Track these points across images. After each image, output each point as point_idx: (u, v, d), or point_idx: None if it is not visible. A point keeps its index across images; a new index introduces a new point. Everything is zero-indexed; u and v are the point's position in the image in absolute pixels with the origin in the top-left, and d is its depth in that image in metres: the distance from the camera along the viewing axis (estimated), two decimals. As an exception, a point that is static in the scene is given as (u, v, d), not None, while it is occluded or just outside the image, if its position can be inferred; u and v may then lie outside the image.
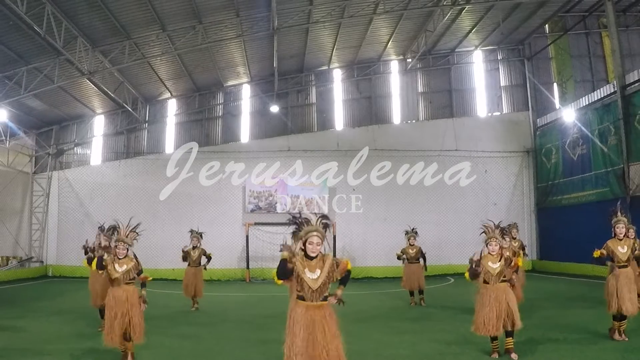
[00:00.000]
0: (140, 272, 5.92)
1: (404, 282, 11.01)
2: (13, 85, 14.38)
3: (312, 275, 4.03)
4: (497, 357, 5.79)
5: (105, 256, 5.87)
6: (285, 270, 4.03)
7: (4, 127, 16.72)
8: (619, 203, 6.85)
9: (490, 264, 5.79)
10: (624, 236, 6.51)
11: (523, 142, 20.20)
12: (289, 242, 4.56)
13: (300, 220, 4.16)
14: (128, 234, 5.83)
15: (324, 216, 4.23)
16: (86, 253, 8.62)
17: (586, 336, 6.85)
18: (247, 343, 6.99)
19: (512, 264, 5.94)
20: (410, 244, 10.88)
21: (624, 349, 6.03)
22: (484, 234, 5.98)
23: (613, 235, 6.56)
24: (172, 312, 9.88)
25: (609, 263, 6.50)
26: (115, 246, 5.81)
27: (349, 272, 4.27)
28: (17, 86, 14.37)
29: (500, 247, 5.89)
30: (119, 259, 5.78)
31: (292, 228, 4.34)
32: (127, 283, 5.75)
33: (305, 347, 3.91)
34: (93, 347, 6.52)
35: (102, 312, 7.88)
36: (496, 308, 5.63)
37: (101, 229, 8.02)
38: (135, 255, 5.99)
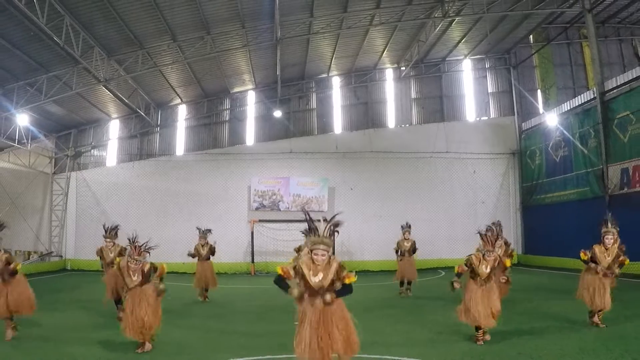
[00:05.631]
0: (155, 269, 5.98)
1: (397, 274, 11.06)
2: (34, 92, 14.36)
3: (316, 279, 3.96)
4: (481, 344, 5.85)
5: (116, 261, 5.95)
6: (282, 285, 4.10)
7: (25, 131, 16.70)
8: (610, 214, 6.73)
9: (482, 267, 5.90)
10: (611, 246, 6.51)
11: (509, 145, 20.18)
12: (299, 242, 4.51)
13: (311, 226, 3.99)
14: (140, 252, 5.79)
15: (333, 224, 4.03)
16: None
17: (568, 325, 6.86)
18: (252, 333, 6.97)
19: (499, 262, 6.05)
20: (405, 238, 10.93)
21: (605, 337, 6.04)
22: (480, 240, 6.03)
23: (600, 243, 6.56)
24: (182, 304, 9.86)
25: (592, 265, 6.51)
26: (128, 262, 5.80)
27: (348, 286, 4.02)
28: (37, 93, 14.35)
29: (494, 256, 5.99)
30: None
31: (303, 227, 4.21)
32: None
33: (316, 337, 3.83)
34: (109, 336, 6.51)
35: (116, 302, 7.91)
36: (484, 303, 5.77)
37: (104, 229, 8.12)
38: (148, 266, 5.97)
